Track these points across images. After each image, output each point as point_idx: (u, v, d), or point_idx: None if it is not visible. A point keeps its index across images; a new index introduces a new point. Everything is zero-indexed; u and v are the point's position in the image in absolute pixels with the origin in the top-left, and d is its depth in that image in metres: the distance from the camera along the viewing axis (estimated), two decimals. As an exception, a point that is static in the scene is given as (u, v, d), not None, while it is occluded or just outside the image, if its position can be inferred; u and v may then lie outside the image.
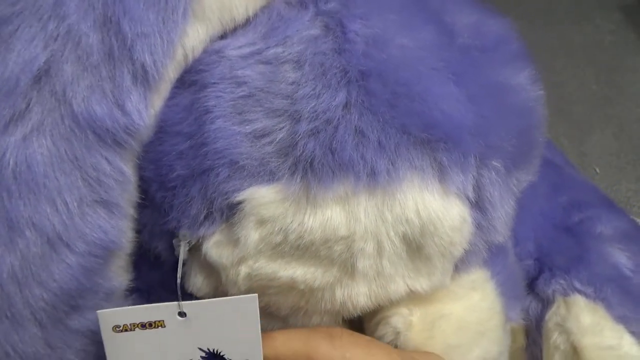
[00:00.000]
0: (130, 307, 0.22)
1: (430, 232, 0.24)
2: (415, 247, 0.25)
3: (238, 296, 0.23)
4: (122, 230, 0.22)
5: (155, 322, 0.22)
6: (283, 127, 0.22)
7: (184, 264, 0.25)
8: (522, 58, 0.28)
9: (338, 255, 0.24)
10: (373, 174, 0.22)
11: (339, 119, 0.22)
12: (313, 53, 0.22)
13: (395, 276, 0.25)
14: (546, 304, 0.44)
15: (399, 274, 0.25)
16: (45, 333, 0.22)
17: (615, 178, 0.63)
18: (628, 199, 0.60)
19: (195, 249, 0.24)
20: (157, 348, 0.22)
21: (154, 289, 0.28)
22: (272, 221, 0.22)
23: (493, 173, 0.25)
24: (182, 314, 0.22)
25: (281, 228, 0.23)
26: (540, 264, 0.46)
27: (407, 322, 0.29)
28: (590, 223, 0.47)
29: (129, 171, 0.22)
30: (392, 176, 0.22)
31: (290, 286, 0.24)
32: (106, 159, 0.21)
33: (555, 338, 0.42)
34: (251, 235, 0.23)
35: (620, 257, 0.44)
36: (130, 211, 0.23)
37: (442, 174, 0.24)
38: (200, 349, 0.23)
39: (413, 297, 0.29)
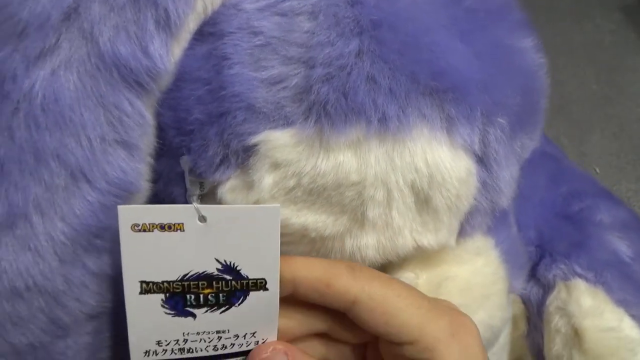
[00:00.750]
0: (151, 205, 0.21)
1: (438, 183, 0.25)
2: (423, 198, 0.25)
3: (261, 205, 0.23)
4: (140, 174, 0.23)
5: (174, 225, 0.21)
6: (298, 73, 0.23)
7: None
8: (527, 26, 0.29)
9: (349, 201, 0.24)
10: (384, 120, 0.23)
11: (351, 65, 0.23)
12: (327, 5, 0.23)
13: (403, 229, 0.26)
14: (547, 289, 0.44)
15: (407, 226, 0.26)
16: (65, 269, 0.22)
17: (615, 178, 0.64)
18: (628, 199, 0.61)
19: (209, 195, 0.25)
20: (173, 254, 0.21)
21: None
22: (286, 165, 0.23)
23: (498, 130, 0.26)
24: (202, 219, 0.21)
25: (295, 172, 0.23)
26: (541, 250, 0.46)
27: (414, 284, 0.29)
28: (590, 212, 0.48)
29: (149, 115, 0.23)
30: (403, 123, 0.23)
31: (302, 234, 0.25)
32: (128, 100, 0.22)
33: (556, 321, 0.42)
34: (265, 178, 0.23)
35: (620, 245, 0.45)
36: (148, 158, 0.24)
37: (449, 125, 0.25)
38: (216, 260, 0.22)
39: (419, 260, 0.30)
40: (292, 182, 0.24)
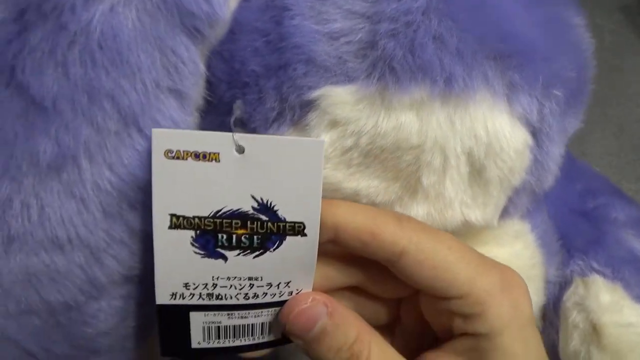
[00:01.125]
0: (187, 130, 0.19)
1: (495, 153, 0.24)
2: (477, 168, 0.24)
3: (303, 138, 0.21)
4: (189, 127, 0.22)
5: (210, 154, 0.19)
6: (362, 28, 0.22)
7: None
8: (576, 5, 0.29)
9: (405, 166, 0.23)
10: (449, 81, 0.22)
11: (418, 22, 0.22)
12: (393, -40, 0.22)
13: (454, 201, 0.25)
14: (563, 284, 0.44)
15: (458, 198, 0.25)
16: (107, 223, 0.21)
17: (615, 178, 0.63)
18: None
19: None
20: (206, 186, 0.19)
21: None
22: (345, 123, 0.22)
23: (554, 103, 0.25)
24: (239, 150, 0.19)
25: (353, 131, 0.22)
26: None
27: None
28: (605, 209, 0.48)
29: (202, 66, 0.22)
30: (467, 86, 0.22)
31: (353, 200, 0.24)
32: (185, 45, 0.21)
33: (574, 317, 0.42)
34: (322, 136, 0.22)
35: (635, 243, 0.45)
36: (196, 112, 0.23)
37: (510, 93, 0.24)
38: (252, 197, 0.20)
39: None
40: (349, 142, 0.22)
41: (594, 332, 0.41)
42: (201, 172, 0.19)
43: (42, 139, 0.19)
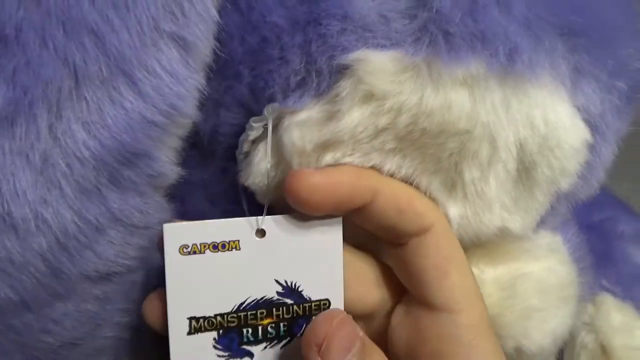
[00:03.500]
0: (203, 221, 0.17)
1: (550, 148, 0.20)
2: (526, 165, 0.21)
3: (322, 217, 0.19)
4: (194, 88, 0.18)
5: (229, 243, 0.18)
6: (413, -19, 0.18)
7: (244, 154, 0.20)
8: None
9: (447, 156, 0.19)
10: (512, 56, 0.18)
11: (481, -19, 0.18)
12: None
13: (494, 203, 0.21)
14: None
15: (499, 200, 0.21)
16: (80, 201, 0.16)
17: (615, 178, 0.62)
18: (628, 198, 0.59)
19: (261, 138, 0.20)
20: (227, 279, 0.18)
21: (191, 194, 0.23)
22: (382, 97, 0.18)
23: (616, 97, 0.22)
24: (260, 233, 0.18)
25: (392, 107, 0.18)
26: (565, 260, 0.44)
27: (480, 281, 0.25)
28: (611, 223, 0.47)
29: (213, 10, 0.17)
30: (533, 64, 0.19)
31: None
32: (193, -19, 0.16)
33: (582, 337, 0.40)
34: (353, 112, 0.18)
35: None
36: (203, 73, 0.18)
37: (575, 78, 0.20)
38: (276, 281, 0.19)
39: (483, 254, 0.25)
40: (384, 121, 0.18)
41: (604, 353, 0.39)
42: (221, 263, 0.18)
43: None
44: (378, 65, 0.18)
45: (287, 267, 0.19)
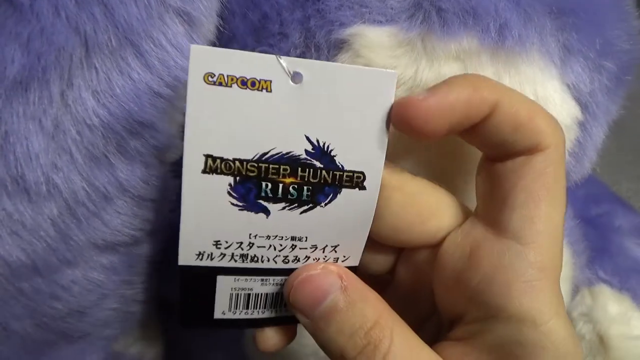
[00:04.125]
0: (235, 50, 0.15)
1: (541, 124, 0.21)
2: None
3: (375, 68, 0.17)
4: None
5: (261, 82, 0.15)
6: (407, -40, 0.19)
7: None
8: None
9: None
10: (503, 31, 0.19)
11: (472, -42, 0.19)
12: None
13: None
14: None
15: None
16: (89, 167, 0.17)
17: (615, 178, 0.62)
18: (628, 198, 0.60)
19: None
20: (253, 123, 0.16)
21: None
22: None
23: (605, 77, 0.23)
24: (297, 77, 0.16)
25: None
26: (564, 254, 0.44)
27: None
28: (609, 217, 0.47)
29: None
30: (522, 39, 0.19)
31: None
32: (198, -42, 0.17)
33: (580, 328, 0.40)
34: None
35: (639, 252, 0.44)
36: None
37: (564, 56, 0.21)
38: (307, 138, 0.16)
39: None
40: None
41: (601, 344, 0.39)
42: (248, 103, 0.16)
43: (11, 45, 0.15)
44: (374, 40, 0.19)
45: (322, 124, 0.16)
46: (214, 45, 0.19)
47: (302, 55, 0.19)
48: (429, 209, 0.18)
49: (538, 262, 0.16)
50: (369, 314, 0.17)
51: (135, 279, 0.21)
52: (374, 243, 0.19)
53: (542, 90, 0.20)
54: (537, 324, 0.16)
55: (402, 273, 0.20)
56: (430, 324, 0.19)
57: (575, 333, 0.17)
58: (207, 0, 0.18)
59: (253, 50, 0.20)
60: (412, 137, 0.17)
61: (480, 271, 0.17)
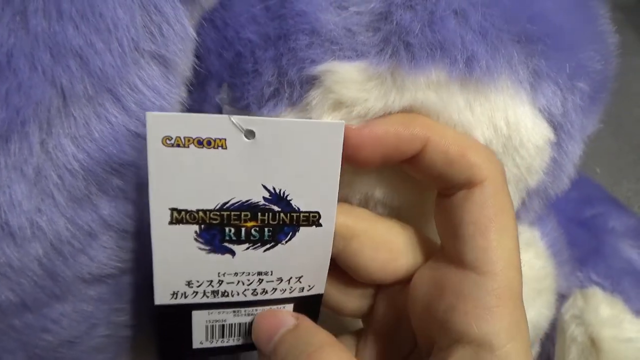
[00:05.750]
0: (189, 114, 0.17)
1: (514, 148, 0.22)
2: (493, 165, 0.22)
3: (322, 120, 0.19)
4: (176, 101, 0.19)
5: (215, 141, 0.17)
6: (375, -3, 0.19)
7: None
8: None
9: None
10: (470, 62, 0.20)
11: (439, -6, 0.19)
12: None
13: None
14: (561, 296, 0.42)
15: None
16: (72, 208, 0.18)
17: (615, 178, 0.62)
18: (628, 199, 0.60)
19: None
20: (211, 176, 0.17)
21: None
22: (351, 104, 0.19)
23: (578, 98, 0.23)
24: (249, 134, 0.17)
25: (360, 113, 0.19)
26: (556, 256, 0.44)
27: None
28: (602, 219, 0.47)
29: (191, 29, 0.19)
30: (490, 69, 0.20)
31: (365, 202, 0.21)
32: (171, 5, 0.18)
33: (572, 330, 0.40)
34: (323, 119, 0.20)
35: (632, 254, 0.44)
36: (183, 87, 0.20)
37: (534, 82, 0.21)
38: (264, 186, 0.18)
39: None
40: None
41: (593, 346, 0.39)
42: (206, 160, 0.17)
43: None
44: (345, 75, 0.19)
45: (276, 174, 0.18)
46: (191, 83, 0.20)
47: (276, 91, 0.20)
48: (398, 248, 0.20)
49: (495, 290, 0.18)
50: (314, 340, 0.18)
51: (124, 307, 0.22)
52: (349, 285, 0.20)
53: (514, 116, 0.21)
54: (493, 348, 0.17)
55: (381, 311, 0.21)
56: (413, 357, 0.20)
57: (531, 357, 0.18)
58: (181, 42, 0.18)
59: (230, 84, 0.20)
60: (349, 165, 0.18)
61: (445, 301, 0.18)
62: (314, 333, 0.19)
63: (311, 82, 0.19)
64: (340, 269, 0.21)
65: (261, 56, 0.19)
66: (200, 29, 0.20)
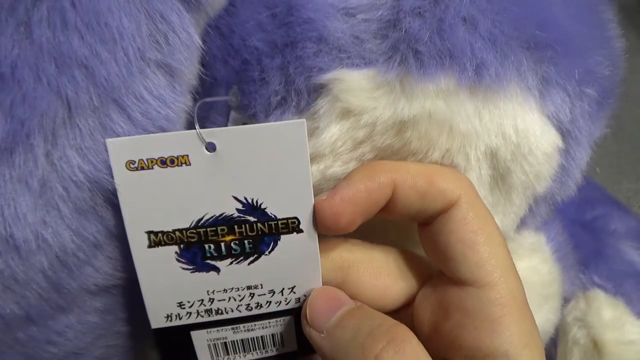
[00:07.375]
0: (147, 135, 0.17)
1: (523, 155, 0.21)
2: (501, 172, 0.22)
3: (281, 122, 0.18)
4: (182, 110, 0.19)
5: (178, 158, 0.17)
6: (384, 4, 0.19)
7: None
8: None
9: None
10: (480, 69, 0.19)
11: (448, 1, 0.19)
12: None
13: None
14: (564, 299, 0.42)
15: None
16: (78, 220, 0.17)
17: (615, 178, 0.62)
18: (628, 199, 0.60)
19: None
20: (181, 195, 0.17)
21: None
22: (359, 113, 0.19)
23: (586, 104, 0.23)
24: (210, 147, 0.17)
25: (368, 121, 0.19)
26: (558, 258, 0.44)
27: None
28: (604, 220, 0.47)
29: (197, 37, 0.19)
30: (500, 76, 0.20)
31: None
32: (176, 12, 0.17)
33: (574, 332, 0.40)
34: (331, 127, 0.19)
35: (634, 256, 0.44)
36: (189, 95, 0.19)
37: (543, 89, 0.21)
38: (235, 198, 0.18)
39: None
40: (362, 134, 0.20)
41: (595, 348, 0.39)
42: (172, 179, 0.17)
43: None
44: (353, 84, 0.19)
45: (245, 183, 0.18)
46: (197, 92, 0.20)
47: (283, 100, 0.19)
48: (396, 272, 0.20)
49: (498, 299, 0.18)
50: (386, 321, 0.18)
51: (130, 316, 0.22)
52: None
53: (522, 123, 0.21)
54: (510, 358, 0.17)
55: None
56: None
57: None
58: (187, 50, 0.18)
59: (239, 88, 0.20)
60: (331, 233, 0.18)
61: (452, 319, 0.18)
62: (379, 314, 0.18)
63: (319, 90, 0.19)
64: None
65: (268, 64, 0.19)
66: (205, 37, 0.20)
